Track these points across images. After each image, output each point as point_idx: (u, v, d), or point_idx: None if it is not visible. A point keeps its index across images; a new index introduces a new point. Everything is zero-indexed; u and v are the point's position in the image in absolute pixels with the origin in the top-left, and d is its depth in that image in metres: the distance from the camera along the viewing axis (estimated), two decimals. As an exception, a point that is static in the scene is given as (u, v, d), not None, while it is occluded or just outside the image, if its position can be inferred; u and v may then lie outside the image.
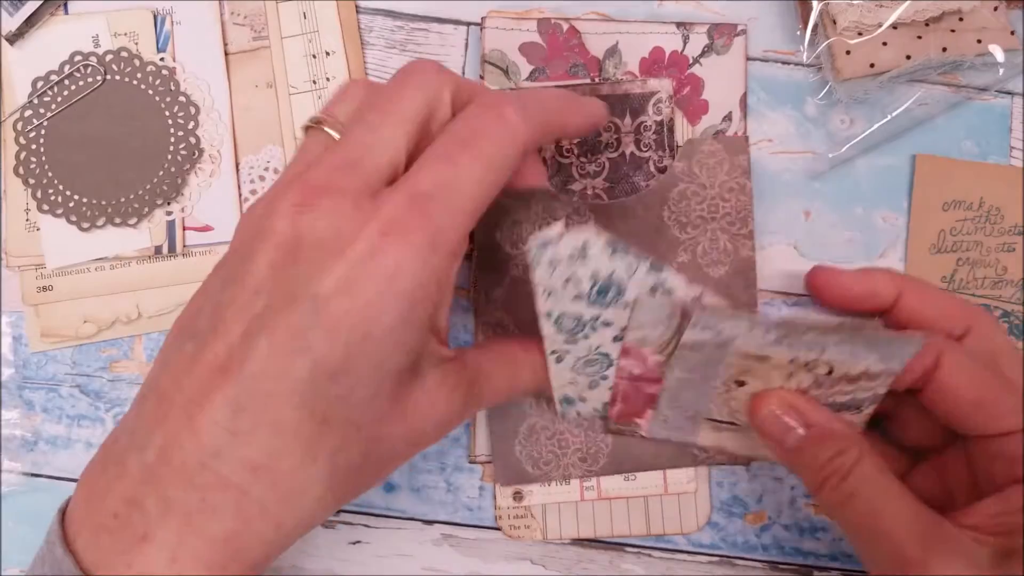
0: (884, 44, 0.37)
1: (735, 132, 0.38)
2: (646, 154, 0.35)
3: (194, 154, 0.37)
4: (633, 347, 0.31)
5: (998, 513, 0.28)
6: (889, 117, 0.38)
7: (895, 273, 0.34)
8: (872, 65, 0.37)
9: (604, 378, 0.33)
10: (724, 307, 0.30)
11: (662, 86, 0.36)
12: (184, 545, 0.24)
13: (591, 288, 0.28)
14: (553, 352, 0.31)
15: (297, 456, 0.25)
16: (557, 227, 0.27)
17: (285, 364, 0.24)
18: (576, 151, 0.35)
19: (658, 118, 0.35)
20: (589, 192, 0.35)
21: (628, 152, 0.35)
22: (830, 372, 0.30)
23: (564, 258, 0.27)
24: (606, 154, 0.35)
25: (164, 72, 0.38)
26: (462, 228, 0.26)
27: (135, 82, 0.38)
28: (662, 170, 0.35)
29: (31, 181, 0.37)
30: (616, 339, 0.30)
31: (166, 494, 0.24)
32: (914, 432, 0.33)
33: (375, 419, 0.26)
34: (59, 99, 0.37)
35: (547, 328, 0.30)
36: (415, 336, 0.26)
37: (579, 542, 0.37)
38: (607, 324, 0.30)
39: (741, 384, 0.31)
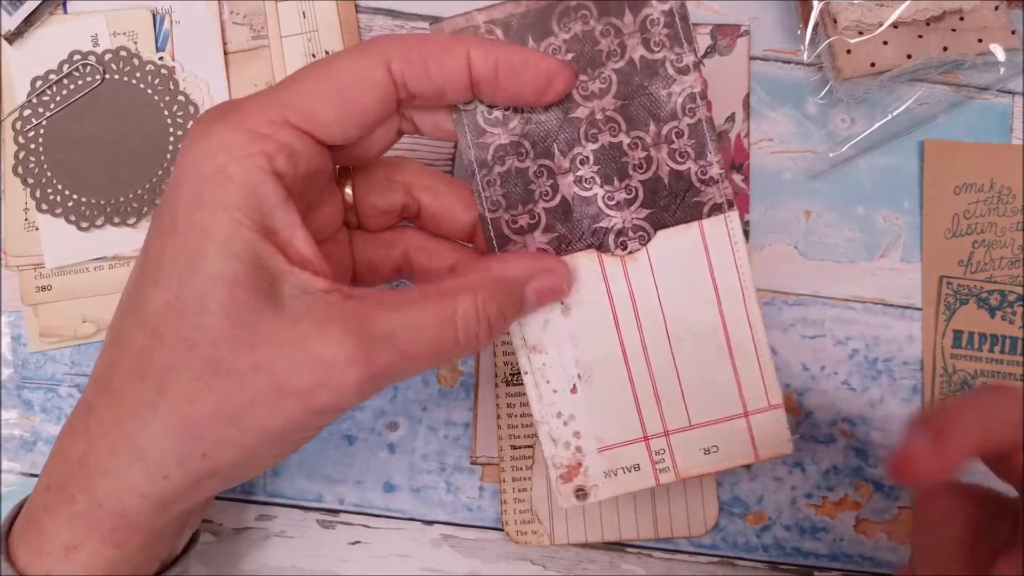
0: (885, 43, 0.37)
1: (738, 133, 0.38)
2: (660, 54, 0.28)
3: (193, 154, 0.37)
4: None
5: None
6: (890, 116, 0.38)
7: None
8: (873, 64, 0.37)
9: None
10: None
11: None
12: (52, 473, 0.26)
13: None
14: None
15: (127, 371, 0.24)
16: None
17: (133, 276, 0.25)
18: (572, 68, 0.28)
19: (666, 7, 0.27)
20: (599, 116, 0.28)
21: (637, 56, 0.28)
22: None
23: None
24: (610, 65, 0.28)
25: (163, 71, 0.38)
26: (270, 117, 0.24)
27: (134, 81, 0.37)
28: (684, 70, 0.28)
29: (30, 181, 0.37)
30: None
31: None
32: None
33: (210, 338, 0.23)
34: (58, 98, 0.37)
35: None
36: (235, 233, 0.23)
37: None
38: None
39: None
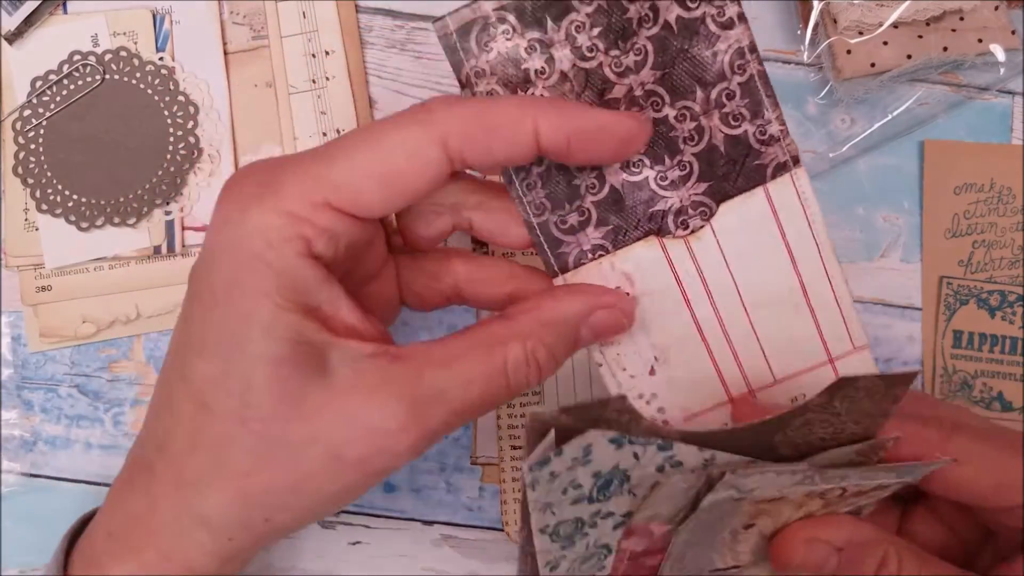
0: (885, 43, 0.37)
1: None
2: (698, 10, 0.25)
3: (193, 154, 0.37)
4: (641, 526, 0.27)
5: None
6: (890, 116, 0.38)
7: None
8: (873, 64, 0.37)
9: (601, 569, 0.28)
10: (743, 461, 0.25)
11: None
12: (114, 521, 0.26)
13: (593, 487, 0.24)
14: (547, 564, 0.26)
15: (182, 439, 0.25)
16: (549, 440, 0.22)
17: (175, 334, 0.26)
18: (601, 44, 0.25)
19: None
20: (638, 92, 0.25)
21: (673, 17, 0.25)
22: (843, 493, 0.28)
23: (564, 469, 0.23)
24: (642, 33, 0.25)
25: (163, 71, 0.38)
26: (312, 200, 0.23)
27: (134, 81, 0.37)
28: (728, 24, 0.25)
29: (30, 181, 0.37)
30: (617, 526, 0.26)
31: (121, 471, 0.27)
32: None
33: (260, 415, 0.23)
34: (58, 99, 0.37)
35: (541, 543, 0.25)
36: (277, 316, 0.23)
37: (579, 542, 0.37)
38: (608, 515, 0.25)
39: (748, 528, 0.28)
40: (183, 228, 0.37)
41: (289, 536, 0.29)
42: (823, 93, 0.39)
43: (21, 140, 0.37)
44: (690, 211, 0.26)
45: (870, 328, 0.38)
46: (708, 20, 0.25)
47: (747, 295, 0.27)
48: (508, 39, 0.25)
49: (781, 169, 0.26)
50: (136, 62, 0.37)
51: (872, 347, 0.38)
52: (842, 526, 0.27)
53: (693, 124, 0.26)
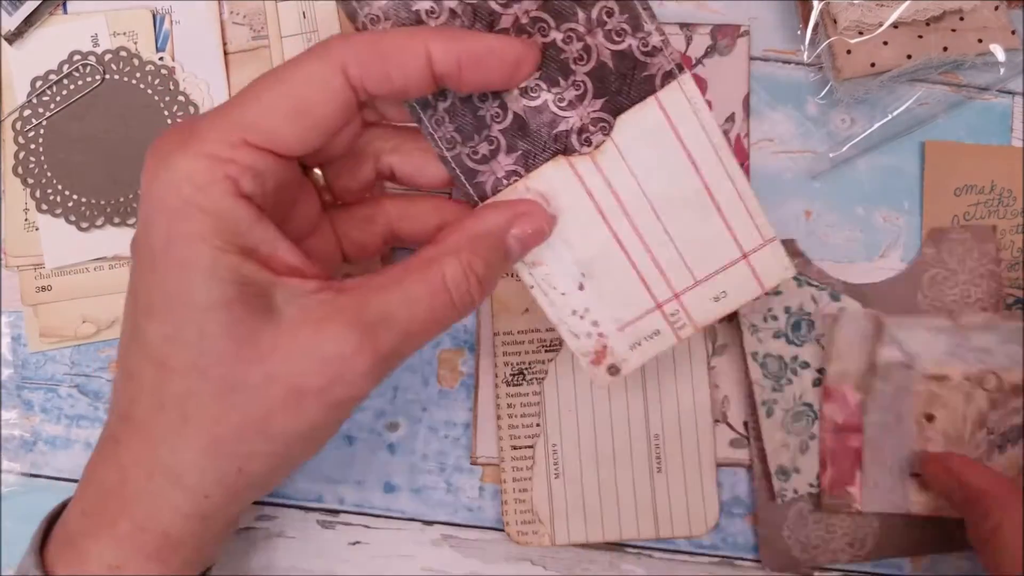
0: (885, 43, 0.37)
1: (738, 134, 0.38)
2: None
3: (193, 154, 0.37)
4: (834, 387, 0.32)
5: None
6: (890, 116, 0.38)
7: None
8: (873, 64, 0.37)
9: (812, 437, 0.35)
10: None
11: None
12: (87, 499, 0.26)
13: (787, 323, 0.29)
14: (764, 403, 0.31)
15: (146, 403, 0.25)
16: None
17: (125, 305, 0.26)
18: None
19: None
20: (524, 20, 0.26)
21: None
22: (999, 386, 0.35)
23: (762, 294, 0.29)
24: None
25: (163, 71, 0.38)
26: (230, 141, 0.24)
27: (134, 81, 0.37)
28: None
29: (30, 181, 0.37)
30: (815, 383, 0.31)
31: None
32: None
33: (217, 361, 0.24)
34: (58, 99, 0.37)
35: (755, 372, 0.31)
36: (216, 260, 0.23)
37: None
38: (805, 365, 0.31)
39: (931, 419, 0.34)
40: (183, 228, 0.37)
41: (268, 493, 0.28)
42: (823, 93, 0.39)
43: (21, 140, 0.37)
44: (591, 128, 0.28)
45: (870, 328, 0.38)
46: None
47: (657, 202, 0.29)
48: None
49: (668, 77, 0.27)
50: (136, 62, 0.37)
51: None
52: (972, 470, 0.33)
53: (580, 44, 0.27)
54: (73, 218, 0.37)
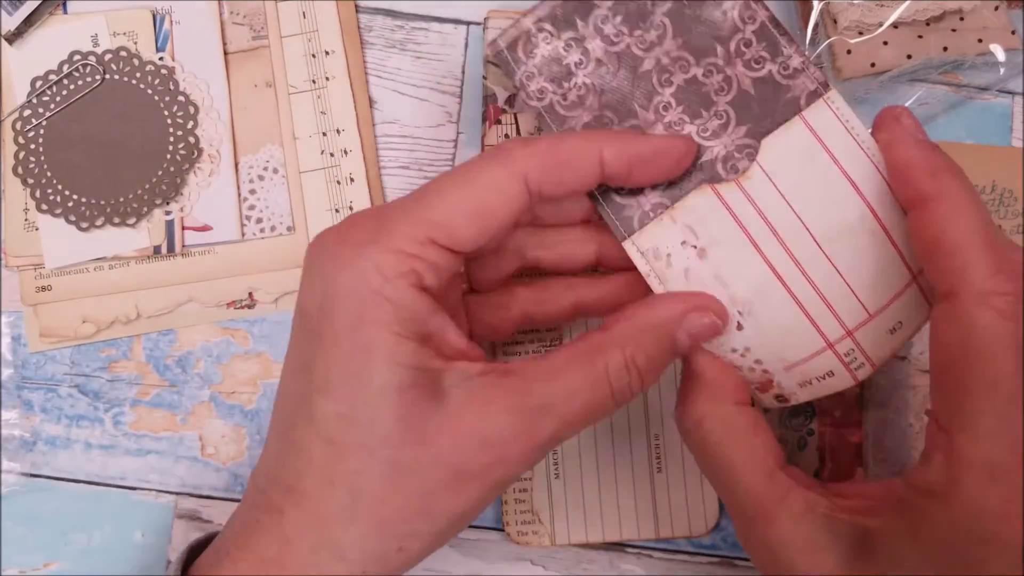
0: (885, 43, 0.37)
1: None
2: None
3: (193, 154, 0.37)
4: None
5: (874, 496, 0.27)
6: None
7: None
8: (873, 64, 0.37)
9: (810, 433, 0.34)
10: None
11: None
12: (239, 563, 0.26)
13: None
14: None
15: (314, 478, 0.25)
16: None
17: (288, 380, 0.27)
18: (625, 29, 0.28)
19: None
20: (665, 61, 0.28)
21: None
22: None
23: None
24: (658, 11, 0.28)
25: (163, 71, 0.38)
26: (418, 240, 0.25)
27: (134, 82, 0.37)
28: None
29: (30, 181, 0.37)
30: None
31: (241, 514, 0.27)
32: None
33: (386, 443, 0.25)
34: (58, 99, 0.37)
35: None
36: (398, 345, 0.25)
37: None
38: None
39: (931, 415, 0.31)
40: (183, 228, 0.37)
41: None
42: (823, 93, 0.39)
43: (21, 140, 0.37)
44: (736, 155, 0.27)
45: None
46: None
47: (816, 230, 0.27)
48: (548, 43, 0.28)
49: (813, 96, 0.27)
50: (136, 62, 0.37)
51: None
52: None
53: (720, 76, 0.28)
54: (73, 218, 0.37)
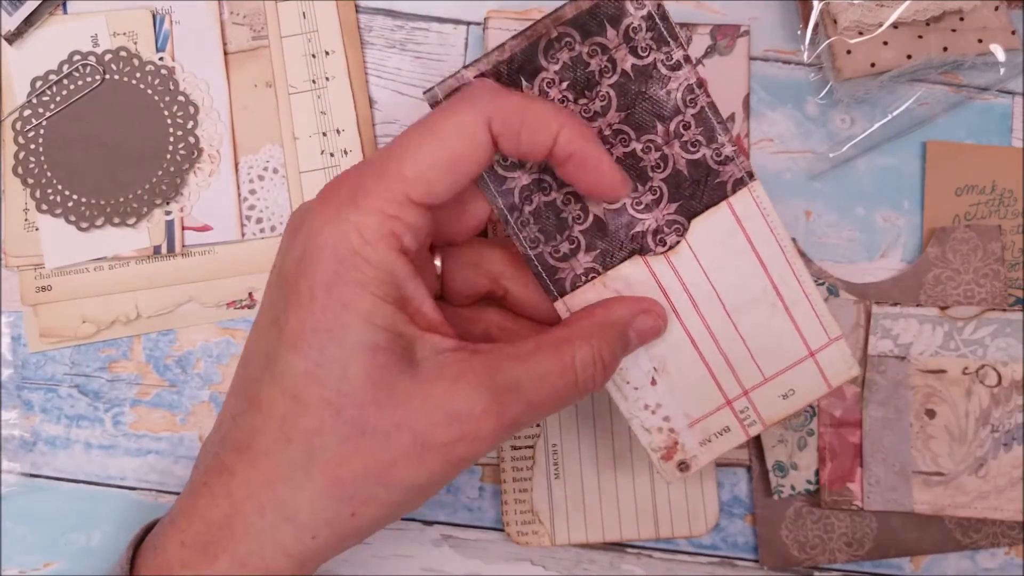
0: (885, 43, 0.37)
1: (738, 134, 0.38)
2: (649, 58, 0.28)
3: (193, 154, 0.37)
4: None
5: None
6: (890, 117, 0.38)
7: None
8: (873, 64, 0.37)
9: (811, 433, 0.35)
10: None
11: None
12: (188, 530, 0.26)
13: None
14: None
15: (272, 436, 0.25)
16: None
17: (256, 338, 0.27)
18: (570, 95, 0.29)
19: (644, 11, 0.28)
20: (607, 132, 0.29)
21: (628, 66, 0.28)
22: (999, 382, 0.36)
23: None
24: (604, 82, 0.28)
25: (163, 72, 0.38)
26: (397, 199, 0.25)
27: (134, 82, 0.37)
28: (676, 66, 0.28)
29: (30, 181, 0.37)
30: None
31: (191, 480, 0.27)
32: None
33: (353, 402, 0.24)
34: (58, 99, 0.37)
35: None
36: (375, 306, 0.25)
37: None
38: None
39: (931, 415, 0.35)
40: (183, 228, 0.37)
41: (364, 542, 0.30)
42: (823, 93, 0.39)
43: (21, 140, 0.37)
44: (666, 229, 0.29)
45: (870, 328, 0.38)
46: (659, 65, 0.28)
47: (728, 300, 0.30)
48: None
49: (739, 184, 0.29)
50: (136, 62, 0.37)
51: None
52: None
53: (658, 154, 0.29)
54: (73, 218, 0.37)
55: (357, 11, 0.39)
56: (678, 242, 0.29)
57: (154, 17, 0.38)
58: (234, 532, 0.25)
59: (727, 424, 0.31)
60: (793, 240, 0.31)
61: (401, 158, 0.26)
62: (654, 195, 0.29)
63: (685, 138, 0.29)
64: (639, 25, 0.28)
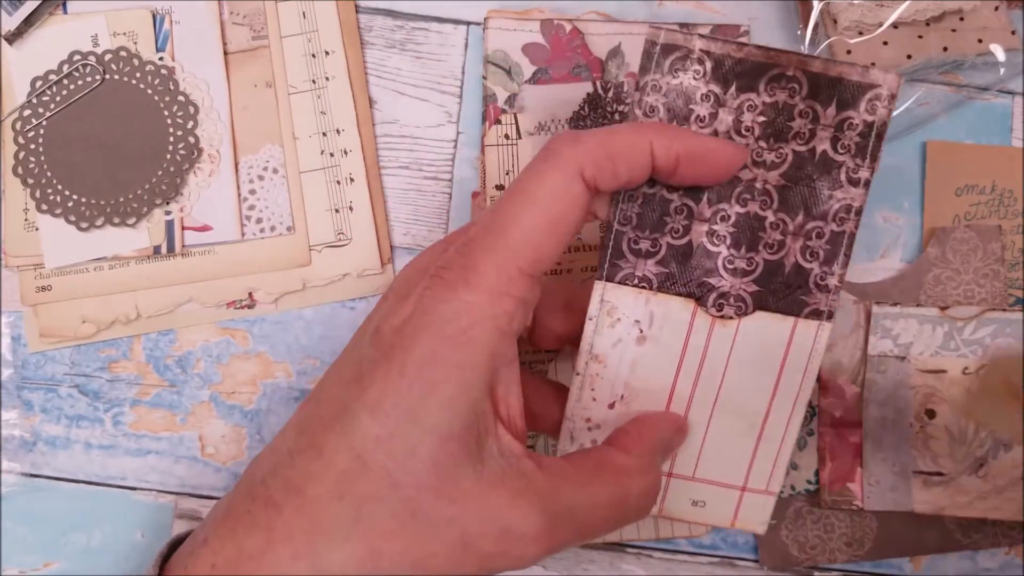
0: (885, 43, 0.37)
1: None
2: (841, 157, 0.28)
3: (193, 154, 0.37)
4: (831, 380, 0.32)
5: None
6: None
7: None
8: (873, 64, 0.37)
9: (811, 433, 0.36)
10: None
11: (886, 81, 0.27)
12: (220, 553, 0.25)
13: None
14: None
15: (326, 487, 0.25)
16: None
17: (335, 384, 0.26)
18: (757, 130, 0.28)
19: (870, 118, 0.27)
20: (759, 185, 0.28)
21: (820, 149, 0.28)
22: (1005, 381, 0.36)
23: None
24: (792, 144, 0.28)
25: (163, 72, 0.38)
26: (508, 273, 0.25)
27: (134, 82, 0.37)
28: (855, 182, 0.28)
29: (30, 181, 0.37)
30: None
31: (231, 502, 0.26)
32: None
33: (413, 483, 0.24)
34: (58, 99, 0.37)
35: None
36: (462, 392, 0.25)
37: (579, 543, 0.37)
38: None
39: (931, 415, 0.35)
40: (183, 228, 0.37)
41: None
42: (823, 93, 0.38)
43: (21, 140, 0.37)
44: (732, 300, 0.29)
45: (870, 328, 0.38)
46: (844, 169, 0.28)
47: (724, 395, 0.29)
48: (695, 79, 0.28)
49: (816, 315, 0.29)
50: (136, 62, 0.37)
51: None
52: None
53: (780, 237, 0.28)
54: (73, 218, 0.37)
55: (357, 11, 0.39)
56: (731, 319, 0.29)
57: (154, 17, 0.38)
58: (262, 568, 0.25)
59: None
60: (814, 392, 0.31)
61: (505, 230, 0.26)
62: (748, 266, 0.29)
63: (811, 244, 0.28)
64: (857, 124, 0.28)
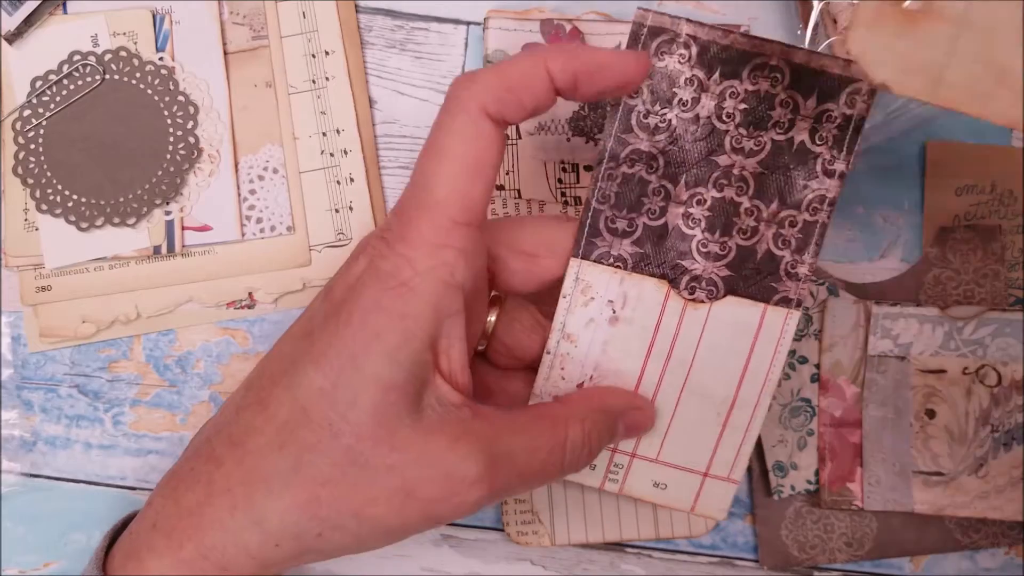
0: (885, 43, 0.37)
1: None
2: (819, 148, 0.28)
3: (193, 154, 0.37)
4: (830, 380, 0.32)
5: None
6: (890, 116, 0.38)
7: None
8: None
9: (811, 433, 0.36)
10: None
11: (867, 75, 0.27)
12: (161, 512, 0.26)
13: None
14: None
15: (267, 438, 0.25)
16: None
17: (286, 343, 0.27)
18: (738, 117, 0.28)
19: (849, 112, 0.28)
20: (736, 171, 0.28)
21: (798, 139, 0.28)
22: (999, 382, 0.36)
23: None
24: (771, 133, 0.28)
25: (163, 71, 0.38)
26: (442, 226, 0.25)
27: (134, 82, 0.37)
28: (831, 173, 0.28)
29: (30, 181, 0.37)
30: (813, 378, 0.32)
31: (177, 463, 0.27)
32: None
33: (354, 431, 0.25)
34: (58, 99, 0.37)
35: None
36: (405, 342, 0.25)
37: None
38: (803, 360, 0.32)
39: (931, 415, 0.35)
40: (183, 228, 0.37)
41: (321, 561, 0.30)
42: (823, 93, 0.38)
43: (21, 140, 0.37)
44: (704, 284, 0.29)
45: (870, 328, 0.38)
46: (820, 160, 0.28)
47: (693, 379, 0.30)
48: (679, 63, 0.28)
49: (785, 303, 0.29)
50: (136, 62, 0.37)
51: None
52: None
53: (754, 224, 0.29)
54: (73, 218, 0.37)
55: (357, 11, 0.39)
56: (703, 302, 0.29)
57: (154, 17, 0.38)
58: (202, 522, 0.25)
59: (597, 463, 0.31)
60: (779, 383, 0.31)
61: (429, 185, 0.26)
62: (721, 251, 0.29)
63: (784, 232, 0.29)
64: (836, 117, 0.28)
